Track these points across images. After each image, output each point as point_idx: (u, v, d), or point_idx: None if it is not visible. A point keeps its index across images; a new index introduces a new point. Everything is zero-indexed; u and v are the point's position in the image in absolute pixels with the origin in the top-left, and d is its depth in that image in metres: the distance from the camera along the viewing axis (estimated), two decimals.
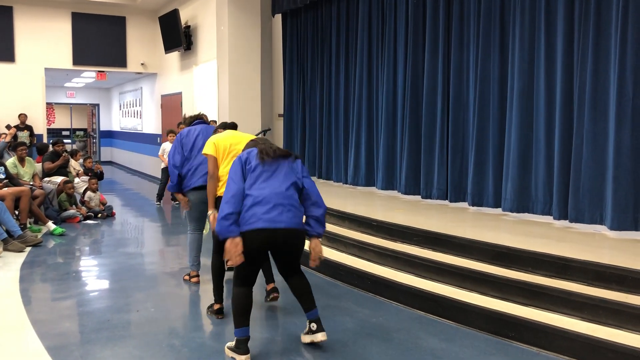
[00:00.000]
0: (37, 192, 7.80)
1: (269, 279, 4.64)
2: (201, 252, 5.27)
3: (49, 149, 9.25)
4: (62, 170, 9.08)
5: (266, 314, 4.47)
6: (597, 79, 5.06)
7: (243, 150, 3.81)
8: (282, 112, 10.28)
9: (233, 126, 4.76)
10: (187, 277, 5.36)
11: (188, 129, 5.15)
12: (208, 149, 4.35)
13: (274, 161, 3.64)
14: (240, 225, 3.45)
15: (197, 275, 5.29)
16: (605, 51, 5.02)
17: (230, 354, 3.57)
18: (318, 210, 3.68)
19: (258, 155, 3.64)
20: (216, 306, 4.37)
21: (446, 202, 6.73)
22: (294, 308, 4.51)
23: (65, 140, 11.27)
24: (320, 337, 3.66)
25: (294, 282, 3.76)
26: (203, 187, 4.71)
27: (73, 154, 10.11)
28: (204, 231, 5.33)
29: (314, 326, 3.68)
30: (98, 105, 21.57)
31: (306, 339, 3.74)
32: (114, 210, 9.07)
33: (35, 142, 12.23)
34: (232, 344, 3.58)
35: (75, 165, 9.65)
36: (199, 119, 5.27)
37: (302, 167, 3.77)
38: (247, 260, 3.46)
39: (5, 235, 6.46)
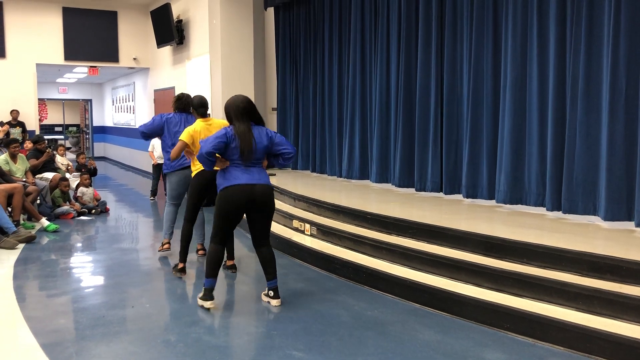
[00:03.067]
0: (30, 188, 7.75)
1: (231, 256, 5.38)
2: (174, 223, 5.94)
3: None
4: (50, 166, 9.03)
5: (263, 309, 4.47)
6: (590, 70, 5.06)
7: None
8: (275, 105, 10.25)
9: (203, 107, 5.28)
10: (160, 248, 6.06)
11: (176, 115, 5.68)
12: (184, 136, 5.01)
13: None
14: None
15: (168, 243, 6.02)
16: (598, 42, 5.02)
17: (199, 302, 4.37)
18: None
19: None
20: (180, 265, 5.25)
21: (440, 194, 6.74)
22: (290, 303, 4.52)
23: (58, 137, 11.21)
24: (274, 303, 4.44)
25: (263, 252, 4.45)
26: (183, 169, 5.57)
27: (55, 148, 10.05)
28: None
29: (271, 293, 4.47)
30: (90, 100, 21.46)
31: (264, 298, 4.55)
32: (107, 206, 9.04)
33: (27, 138, 12.16)
34: (201, 294, 4.36)
35: (62, 160, 9.59)
36: (186, 109, 5.70)
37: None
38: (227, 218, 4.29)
39: None
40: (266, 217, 4.42)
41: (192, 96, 5.66)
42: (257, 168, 4.32)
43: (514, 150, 5.75)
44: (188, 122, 5.53)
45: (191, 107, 5.36)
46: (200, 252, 5.98)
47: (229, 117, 4.32)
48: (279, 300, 4.43)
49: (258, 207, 4.30)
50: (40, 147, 9.03)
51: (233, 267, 5.40)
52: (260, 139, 4.26)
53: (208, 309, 4.30)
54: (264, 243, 4.45)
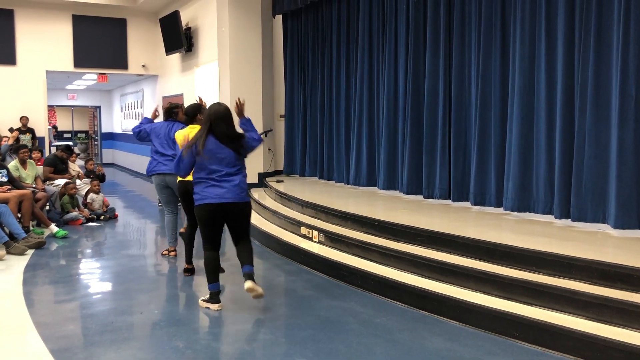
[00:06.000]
0: (40, 194, 7.80)
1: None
2: (177, 230, 6.25)
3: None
4: (63, 172, 9.09)
5: (271, 316, 4.46)
6: (599, 77, 5.04)
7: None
8: (283, 112, 10.28)
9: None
10: (165, 252, 6.35)
11: (162, 122, 6.10)
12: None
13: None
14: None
15: (175, 250, 6.27)
16: (607, 48, 5.00)
17: (204, 305, 4.51)
18: None
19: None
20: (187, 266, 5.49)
21: (448, 201, 6.72)
22: (298, 310, 4.52)
23: (67, 144, 11.26)
24: (246, 285, 4.36)
25: (240, 245, 4.53)
26: (162, 174, 5.88)
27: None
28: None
29: (244, 277, 4.42)
30: (99, 107, 21.58)
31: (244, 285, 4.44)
32: (116, 212, 9.08)
33: (37, 144, 12.24)
34: (205, 297, 4.54)
35: (73, 167, 9.65)
36: (171, 116, 6.08)
37: None
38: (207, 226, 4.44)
39: (6, 238, 6.45)
40: (240, 224, 4.53)
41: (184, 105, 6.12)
42: (229, 181, 4.36)
43: (522, 157, 5.73)
44: (172, 129, 5.87)
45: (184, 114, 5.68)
46: (172, 253, 6.27)
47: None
48: (250, 282, 4.38)
49: (232, 218, 4.46)
50: (62, 155, 9.11)
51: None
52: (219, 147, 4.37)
53: (216, 310, 4.46)
54: (243, 240, 4.56)
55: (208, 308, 4.48)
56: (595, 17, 5.04)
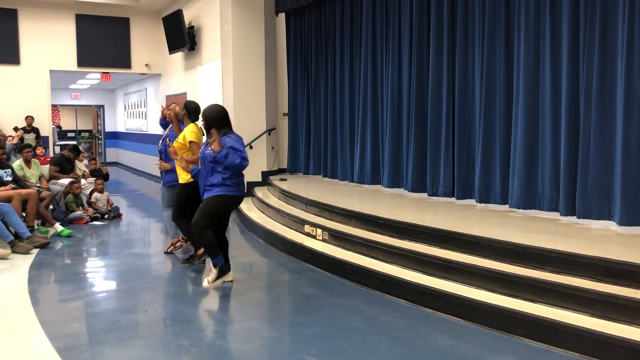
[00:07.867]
0: (44, 193, 7.82)
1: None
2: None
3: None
4: (69, 172, 9.12)
5: (276, 314, 4.47)
6: (604, 74, 5.02)
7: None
8: (286, 111, 10.28)
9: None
10: (171, 248, 6.38)
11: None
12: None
13: None
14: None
15: (179, 241, 6.37)
16: (612, 45, 4.98)
17: (218, 281, 4.75)
18: None
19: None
20: (200, 251, 5.63)
21: (453, 199, 6.71)
22: (303, 308, 4.52)
23: (71, 143, 11.28)
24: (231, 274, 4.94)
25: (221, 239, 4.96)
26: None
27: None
28: None
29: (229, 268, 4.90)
30: (103, 106, 21.63)
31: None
32: (120, 211, 9.10)
33: (41, 143, 12.28)
34: (213, 275, 4.73)
35: (80, 166, 9.69)
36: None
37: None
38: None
39: (11, 237, 6.47)
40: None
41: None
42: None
43: (527, 154, 5.72)
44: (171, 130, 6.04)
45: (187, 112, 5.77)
46: (178, 244, 6.40)
47: (220, 123, 4.68)
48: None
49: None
50: (69, 155, 9.13)
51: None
52: None
53: (231, 281, 4.89)
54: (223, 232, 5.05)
55: (224, 282, 4.80)
56: (600, 13, 5.02)
